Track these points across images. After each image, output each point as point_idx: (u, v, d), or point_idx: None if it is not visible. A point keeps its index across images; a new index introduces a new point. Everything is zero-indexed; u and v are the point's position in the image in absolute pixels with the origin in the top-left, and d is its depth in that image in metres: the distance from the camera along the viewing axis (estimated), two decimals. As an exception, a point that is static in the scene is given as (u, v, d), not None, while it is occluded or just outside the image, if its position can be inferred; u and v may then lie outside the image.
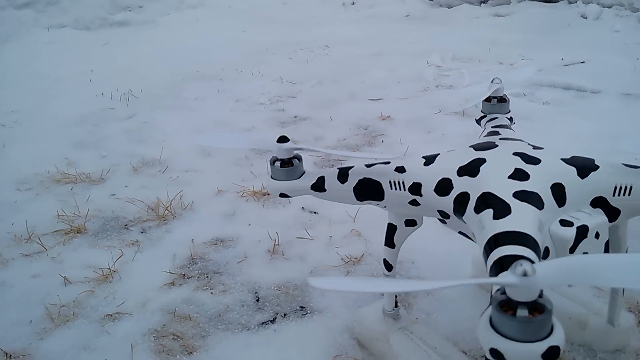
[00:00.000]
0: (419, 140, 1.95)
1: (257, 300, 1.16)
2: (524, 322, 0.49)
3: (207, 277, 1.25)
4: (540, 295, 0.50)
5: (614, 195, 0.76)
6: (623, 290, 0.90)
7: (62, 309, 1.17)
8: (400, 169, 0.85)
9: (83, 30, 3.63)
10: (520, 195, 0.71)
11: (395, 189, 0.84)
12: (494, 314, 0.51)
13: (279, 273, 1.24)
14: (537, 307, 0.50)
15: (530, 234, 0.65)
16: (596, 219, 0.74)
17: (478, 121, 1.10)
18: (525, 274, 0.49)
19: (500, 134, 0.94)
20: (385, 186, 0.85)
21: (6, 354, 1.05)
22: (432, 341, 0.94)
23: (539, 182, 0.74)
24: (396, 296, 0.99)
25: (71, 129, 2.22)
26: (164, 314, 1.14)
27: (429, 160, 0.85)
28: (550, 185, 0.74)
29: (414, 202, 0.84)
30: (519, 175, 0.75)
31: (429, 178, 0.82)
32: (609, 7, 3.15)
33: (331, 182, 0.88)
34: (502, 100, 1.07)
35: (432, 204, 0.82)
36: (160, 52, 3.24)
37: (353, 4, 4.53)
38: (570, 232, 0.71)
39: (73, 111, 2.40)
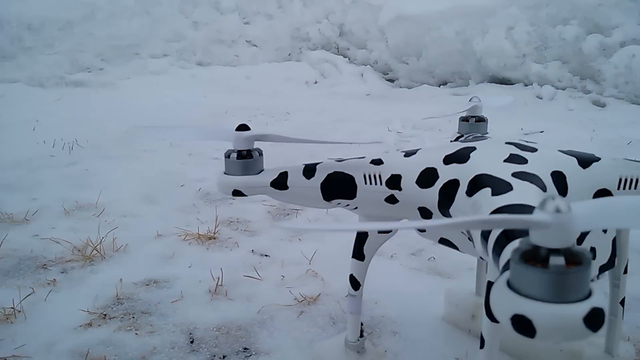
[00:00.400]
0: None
1: (192, 342, 0.96)
2: (559, 275, 0.35)
3: (133, 317, 1.05)
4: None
5: (619, 188, 0.65)
6: (622, 314, 0.76)
7: (-56, 351, 0.94)
8: (377, 162, 0.72)
9: (36, 87, 3.49)
10: (520, 175, 0.60)
11: (371, 183, 0.71)
12: (516, 270, 0.37)
13: (220, 313, 1.05)
14: (574, 257, 0.36)
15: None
16: None
17: (453, 142, 1.00)
18: (558, 210, 0.36)
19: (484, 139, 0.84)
20: (359, 180, 0.71)
21: None
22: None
23: (538, 167, 0.64)
24: (362, 324, 0.82)
25: (3, 173, 2.02)
26: (74, 357, 0.92)
27: (410, 153, 0.73)
28: (550, 172, 0.64)
29: (391, 199, 0.70)
30: (516, 159, 0.64)
31: (410, 169, 0.69)
32: (563, 89, 3.25)
33: (295, 178, 0.74)
34: (481, 120, 0.98)
35: (413, 199, 0.69)
36: (114, 108, 3.12)
37: (316, 82, 4.59)
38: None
39: (9, 157, 2.20)
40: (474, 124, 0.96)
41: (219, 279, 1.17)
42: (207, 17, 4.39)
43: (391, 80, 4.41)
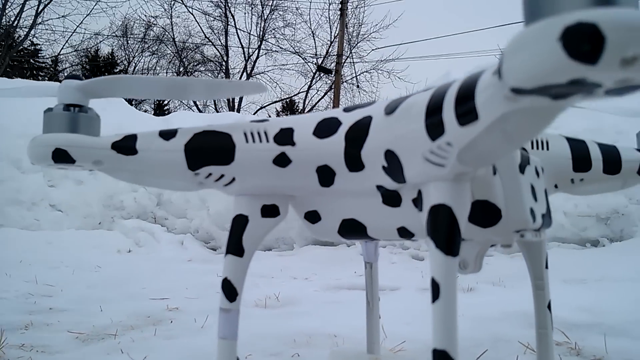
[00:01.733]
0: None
1: None
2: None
3: None
4: None
5: (532, 148, 0.61)
6: (551, 322, 0.66)
7: None
8: (261, 120, 0.58)
9: None
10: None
11: (254, 141, 0.55)
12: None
13: None
14: None
15: None
16: (535, 157, 0.56)
17: None
18: None
19: None
20: (238, 139, 0.56)
21: None
22: None
23: None
24: (237, 359, 0.58)
25: None
26: None
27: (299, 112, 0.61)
28: None
29: (281, 159, 0.55)
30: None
31: (304, 122, 0.57)
32: (384, 247, 3.43)
33: (148, 140, 0.56)
34: None
35: (310, 155, 0.54)
36: None
37: (129, 251, 4.23)
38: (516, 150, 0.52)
39: None
40: None
41: None
42: (5, 173, 3.94)
43: (214, 249, 4.26)
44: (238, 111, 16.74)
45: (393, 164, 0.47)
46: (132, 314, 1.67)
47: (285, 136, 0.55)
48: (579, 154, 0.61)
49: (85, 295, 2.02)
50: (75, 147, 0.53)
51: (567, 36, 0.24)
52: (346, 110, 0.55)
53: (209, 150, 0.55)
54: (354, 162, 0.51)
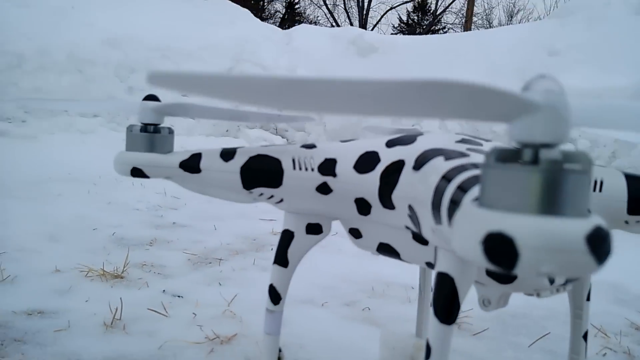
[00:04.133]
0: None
1: (70, 374, 0.77)
2: (553, 174, 0.26)
3: (1, 344, 0.85)
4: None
5: None
6: (585, 353, 0.67)
7: None
8: (309, 146, 0.63)
9: (-53, 131, 3.22)
10: (477, 150, 0.52)
11: (300, 169, 0.61)
12: (490, 177, 0.28)
13: (112, 347, 0.87)
14: (570, 158, 0.28)
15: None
16: None
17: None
18: (550, 91, 0.28)
19: None
20: (286, 165, 0.61)
21: None
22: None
23: None
24: (280, 350, 0.68)
25: None
26: None
27: (347, 140, 0.65)
28: None
29: (323, 188, 0.60)
30: (470, 142, 0.56)
31: (348, 153, 0.60)
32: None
33: (210, 160, 0.63)
34: None
35: (349, 187, 0.59)
36: (31, 155, 2.90)
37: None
38: None
39: None
40: None
41: (117, 310, 0.99)
42: (143, 84, 4.32)
43: (327, 163, 4.43)
44: (367, 12, 16.28)
45: (414, 218, 0.51)
46: (240, 235, 1.87)
47: (328, 167, 0.60)
48: (637, 194, 0.58)
49: (204, 210, 2.26)
50: (149, 166, 0.62)
51: (487, 242, 0.26)
52: (388, 145, 0.58)
53: (261, 174, 0.61)
54: (387, 202, 0.55)
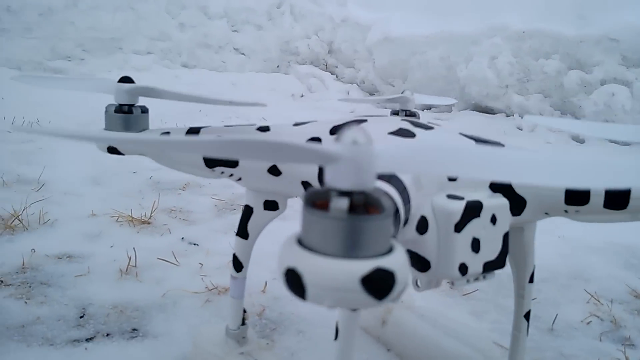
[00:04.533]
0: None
1: (81, 317, 0.89)
2: (337, 221, 0.29)
3: (30, 286, 0.98)
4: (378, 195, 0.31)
5: None
6: (527, 331, 0.71)
7: None
8: (264, 128, 0.68)
9: (13, 69, 3.44)
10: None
11: None
12: (302, 215, 0.31)
13: (122, 293, 0.99)
14: (369, 204, 0.31)
15: (401, 179, 0.48)
16: (496, 199, 0.57)
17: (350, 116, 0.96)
18: (355, 142, 0.30)
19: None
20: None
21: None
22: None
23: (424, 141, 0.58)
24: (245, 311, 0.76)
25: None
26: (-51, 319, 0.85)
27: (301, 123, 0.68)
28: None
29: (273, 170, 0.65)
30: (403, 133, 0.59)
31: (296, 138, 0.64)
32: (542, 124, 3.24)
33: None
34: (412, 114, 0.93)
35: (295, 170, 0.63)
36: (85, 94, 3.07)
37: (302, 96, 4.57)
38: (456, 205, 0.54)
39: (-37, 128, 2.15)
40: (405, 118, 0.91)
41: (130, 258, 1.11)
42: (194, 20, 4.37)
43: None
44: None
45: None
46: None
47: None
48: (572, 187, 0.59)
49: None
50: (123, 144, 0.69)
51: (286, 275, 0.31)
52: (331, 132, 0.62)
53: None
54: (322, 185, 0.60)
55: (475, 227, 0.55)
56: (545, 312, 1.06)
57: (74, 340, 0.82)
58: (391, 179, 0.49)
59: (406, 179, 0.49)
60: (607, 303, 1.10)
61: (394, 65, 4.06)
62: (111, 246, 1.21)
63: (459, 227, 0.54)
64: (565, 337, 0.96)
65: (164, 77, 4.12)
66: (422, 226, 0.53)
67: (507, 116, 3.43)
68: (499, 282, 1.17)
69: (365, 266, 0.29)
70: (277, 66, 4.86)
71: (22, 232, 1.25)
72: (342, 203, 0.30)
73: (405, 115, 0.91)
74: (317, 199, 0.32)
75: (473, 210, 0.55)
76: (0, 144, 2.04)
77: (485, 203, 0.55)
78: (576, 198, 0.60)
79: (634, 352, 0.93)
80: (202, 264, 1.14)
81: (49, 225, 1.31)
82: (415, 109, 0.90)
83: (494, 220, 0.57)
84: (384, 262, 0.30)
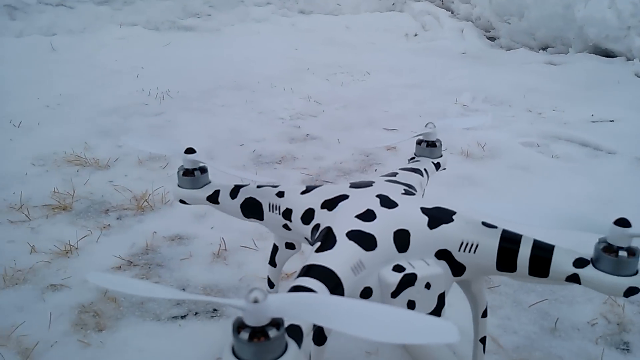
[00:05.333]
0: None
1: (181, 296, 1.24)
2: (242, 346, 0.51)
3: (150, 268, 1.35)
4: (279, 324, 0.52)
5: (459, 250, 0.75)
6: (484, 350, 0.89)
7: (17, 273, 1.31)
8: (280, 194, 0.91)
9: (152, 30, 3.91)
10: (352, 235, 0.73)
11: (273, 211, 0.90)
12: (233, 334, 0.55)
13: (212, 275, 1.32)
14: (263, 333, 0.53)
15: (335, 272, 0.67)
16: (431, 270, 0.75)
17: (409, 162, 1.13)
18: (256, 301, 0.53)
19: (394, 176, 0.96)
20: (265, 208, 0.91)
21: (-48, 301, 1.20)
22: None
23: (382, 225, 0.75)
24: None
25: (102, 118, 2.43)
26: (97, 293, 1.24)
27: (308, 190, 0.90)
28: (394, 230, 0.75)
29: (286, 227, 0.89)
30: (367, 216, 0.77)
31: (300, 206, 0.87)
32: None
33: (224, 196, 0.95)
34: (433, 144, 1.08)
35: (299, 230, 0.87)
36: (212, 58, 3.44)
37: (415, 35, 4.56)
38: (394, 278, 0.73)
39: (111, 102, 2.62)
40: (425, 148, 1.08)
41: (221, 245, 1.43)
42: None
43: (492, 39, 4.27)
44: None
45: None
46: (357, 150, 2.16)
47: (288, 214, 0.87)
48: (505, 256, 0.74)
49: (339, 117, 2.57)
50: (189, 198, 0.96)
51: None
52: (321, 206, 0.83)
53: (252, 210, 0.92)
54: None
55: (410, 293, 0.75)
56: (558, 310, 1.20)
57: (173, 317, 1.17)
58: (328, 275, 0.70)
59: (343, 271, 0.71)
60: (622, 304, 1.21)
61: (511, 1, 3.89)
62: (212, 227, 1.55)
63: (394, 294, 0.75)
64: (562, 338, 1.11)
65: (281, 25, 4.37)
66: (366, 294, 0.75)
67: (628, 60, 3.20)
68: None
69: None
70: (393, 4, 4.85)
71: (149, 213, 1.63)
72: (244, 335, 0.54)
73: (427, 146, 1.08)
74: (238, 327, 0.56)
75: (408, 281, 0.75)
76: (139, 117, 2.47)
77: (419, 274, 0.75)
78: (505, 267, 0.76)
79: (624, 357, 1.07)
80: (274, 250, 1.43)
81: (168, 206, 1.68)
82: (437, 138, 1.07)
83: (428, 286, 0.76)
84: None
